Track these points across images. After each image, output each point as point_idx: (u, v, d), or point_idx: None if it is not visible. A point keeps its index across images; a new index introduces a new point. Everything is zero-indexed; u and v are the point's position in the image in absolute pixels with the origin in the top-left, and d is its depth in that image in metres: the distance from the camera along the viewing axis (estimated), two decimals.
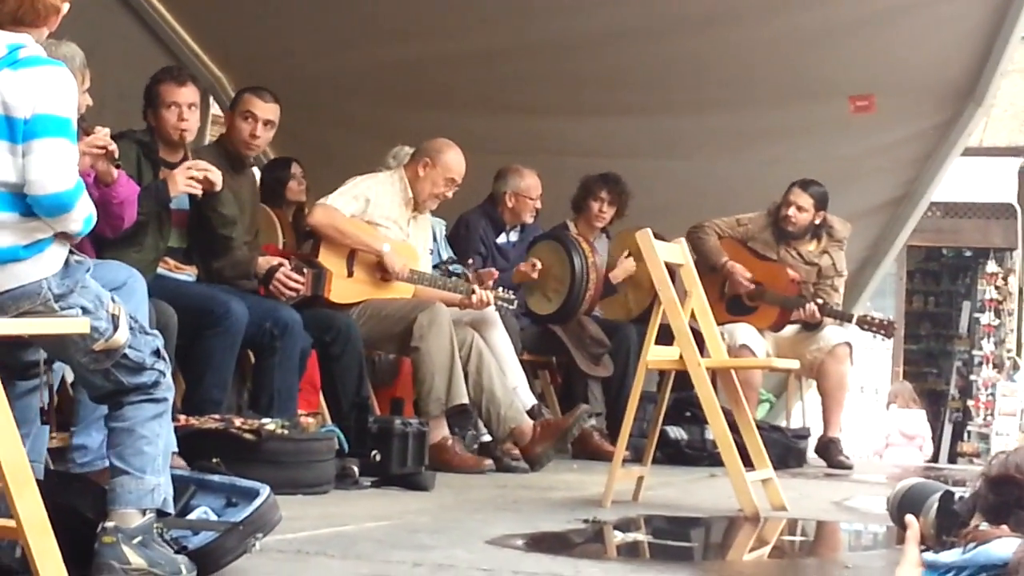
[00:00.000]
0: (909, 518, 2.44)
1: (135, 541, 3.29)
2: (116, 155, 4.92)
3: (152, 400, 3.44)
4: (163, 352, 3.50)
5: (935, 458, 16.93)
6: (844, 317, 8.37)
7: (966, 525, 2.34)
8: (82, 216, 3.38)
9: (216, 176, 5.69)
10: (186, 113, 5.80)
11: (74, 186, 3.35)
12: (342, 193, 6.88)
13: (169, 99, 5.78)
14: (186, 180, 5.62)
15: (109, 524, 3.32)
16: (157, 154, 5.75)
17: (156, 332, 3.57)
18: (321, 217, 6.80)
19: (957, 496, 2.42)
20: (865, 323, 8.38)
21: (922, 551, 2.38)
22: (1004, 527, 2.29)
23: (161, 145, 5.79)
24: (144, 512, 3.35)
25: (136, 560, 3.26)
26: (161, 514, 3.40)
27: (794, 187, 8.32)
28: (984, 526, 2.32)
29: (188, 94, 5.84)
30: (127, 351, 3.37)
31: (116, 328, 3.35)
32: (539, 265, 7.85)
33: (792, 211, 8.28)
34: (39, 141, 3.30)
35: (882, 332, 8.47)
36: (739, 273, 8.29)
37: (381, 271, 6.82)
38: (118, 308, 3.39)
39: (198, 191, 5.66)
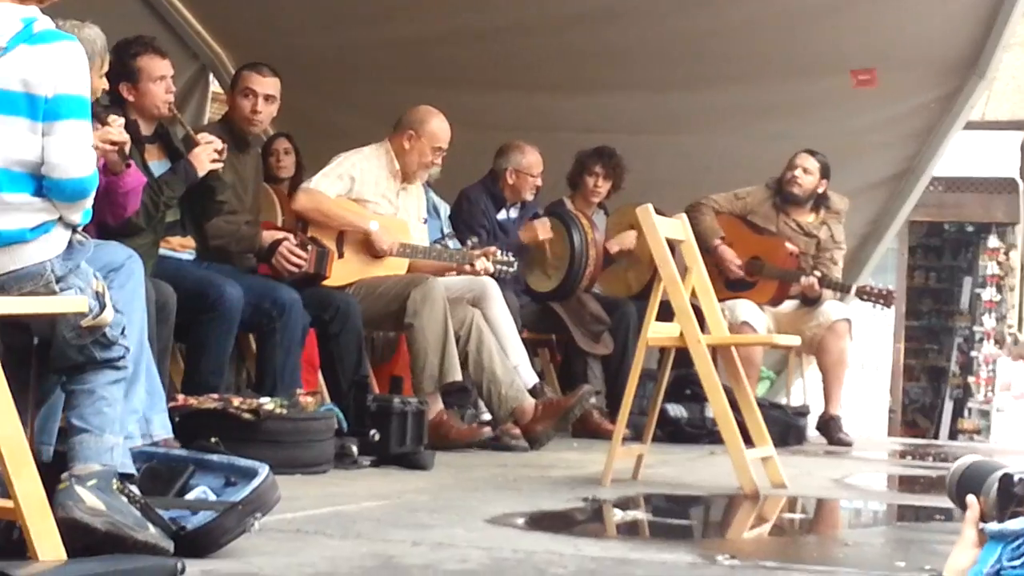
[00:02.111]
0: (970, 498, 2.43)
1: (90, 484, 3.26)
2: (128, 149, 4.91)
3: (114, 368, 3.46)
4: (127, 330, 3.54)
5: (936, 435, 16.95)
6: (843, 288, 8.39)
7: None
8: (87, 207, 3.40)
9: (222, 147, 5.71)
10: (171, 85, 5.78)
11: (93, 172, 3.36)
12: (326, 174, 6.86)
13: (156, 73, 5.69)
14: (210, 157, 5.62)
15: (64, 475, 3.30)
16: (140, 132, 5.67)
17: (122, 311, 3.57)
18: (305, 202, 6.80)
19: (1017, 478, 2.41)
20: (864, 293, 8.41)
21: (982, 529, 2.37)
22: None
23: (141, 121, 5.73)
24: (103, 466, 3.34)
25: (92, 500, 3.22)
26: (126, 477, 3.39)
27: (800, 153, 8.37)
28: None
29: (169, 65, 5.80)
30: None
31: (103, 307, 3.36)
32: (547, 222, 7.83)
33: (799, 172, 8.31)
34: (63, 123, 3.30)
35: (881, 302, 8.48)
36: (728, 259, 8.28)
37: (372, 249, 6.81)
38: (102, 286, 3.41)
39: (220, 165, 5.66)
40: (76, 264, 3.38)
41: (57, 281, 3.32)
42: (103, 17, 4.70)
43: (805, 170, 8.34)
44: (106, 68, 4.46)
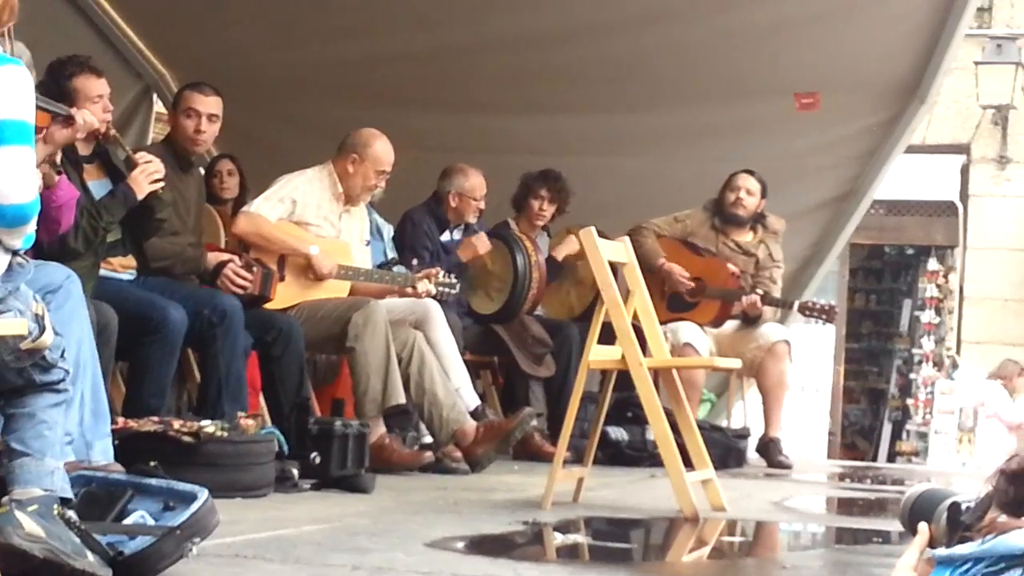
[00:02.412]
0: (922, 525, 2.45)
1: (30, 509, 3.21)
2: (59, 160, 4.87)
3: (53, 391, 3.44)
4: (66, 353, 3.53)
5: (875, 457, 17.05)
6: (785, 304, 8.45)
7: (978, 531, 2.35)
8: (28, 232, 3.38)
9: (161, 167, 5.66)
10: (108, 104, 5.73)
11: (35, 198, 3.33)
12: (267, 198, 6.84)
13: (93, 92, 5.61)
14: (149, 179, 5.59)
15: (4, 499, 3.26)
16: (76, 152, 5.62)
17: (62, 334, 3.56)
18: (245, 226, 6.77)
19: (964, 506, 2.42)
20: (807, 309, 8.47)
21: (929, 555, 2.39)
22: None
23: (80, 142, 5.68)
24: (45, 491, 3.31)
25: (31, 526, 3.16)
26: (64, 502, 3.36)
27: (739, 173, 8.43)
28: (1003, 518, 2.32)
29: (106, 84, 5.75)
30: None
31: (42, 329, 3.35)
32: (484, 237, 7.83)
33: (743, 194, 8.37)
34: (5, 148, 3.27)
35: (824, 317, 8.54)
36: (677, 273, 8.34)
37: (313, 273, 6.79)
38: (41, 308, 3.39)
39: (160, 185, 5.62)
40: (16, 286, 3.36)
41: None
42: (46, 36, 4.70)
43: (748, 191, 8.40)
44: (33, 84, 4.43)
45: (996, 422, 14.44)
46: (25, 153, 3.33)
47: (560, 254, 8.45)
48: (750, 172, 8.43)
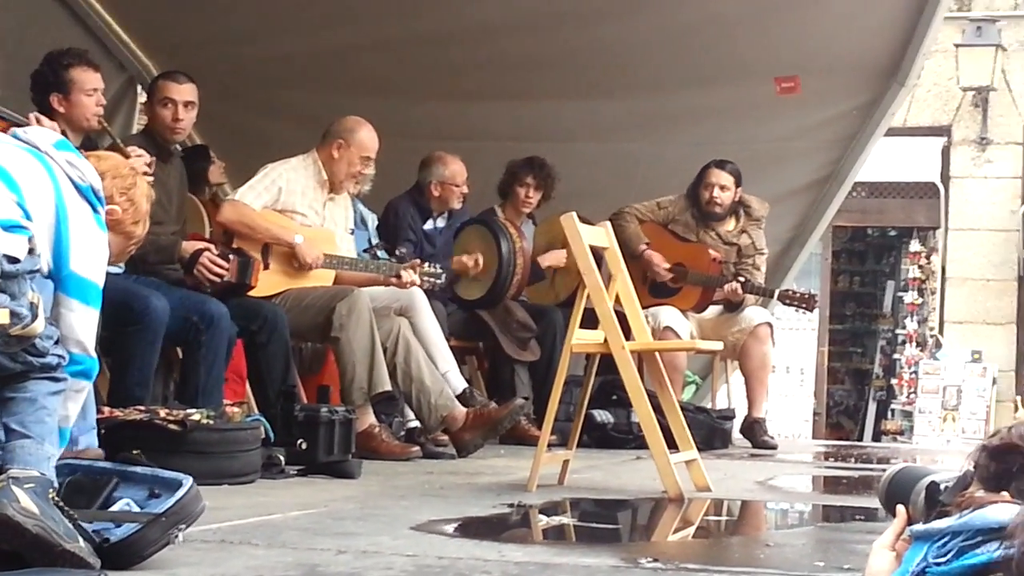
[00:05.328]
0: (899, 509, 2.46)
1: (28, 487, 3.22)
2: None
3: (52, 379, 3.48)
4: (61, 342, 3.57)
5: (860, 436, 17.12)
6: (766, 293, 8.48)
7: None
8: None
9: (150, 158, 5.69)
10: (102, 98, 5.75)
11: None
12: (252, 186, 6.86)
13: (88, 85, 5.70)
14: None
15: (1, 475, 3.26)
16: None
17: (55, 323, 3.59)
18: (230, 214, 6.79)
19: (943, 486, 2.42)
20: (787, 298, 8.51)
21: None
22: (1004, 494, 2.27)
23: (70, 133, 5.71)
24: (42, 474, 3.33)
25: (27, 502, 3.17)
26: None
27: (711, 168, 8.41)
28: (981, 493, 2.33)
29: (100, 79, 5.79)
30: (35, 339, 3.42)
31: (35, 317, 3.37)
32: (480, 260, 7.87)
33: (716, 192, 8.36)
34: (89, 310, 3.70)
35: (803, 306, 8.59)
36: (656, 263, 8.36)
37: (297, 261, 6.81)
38: (37, 297, 3.41)
39: (150, 179, 5.62)
40: (25, 270, 3.39)
41: (2, 276, 3.33)
42: (29, 27, 4.69)
43: (722, 187, 8.40)
44: None
45: None
46: (96, 316, 3.68)
47: (544, 262, 8.45)
48: (721, 165, 8.41)
